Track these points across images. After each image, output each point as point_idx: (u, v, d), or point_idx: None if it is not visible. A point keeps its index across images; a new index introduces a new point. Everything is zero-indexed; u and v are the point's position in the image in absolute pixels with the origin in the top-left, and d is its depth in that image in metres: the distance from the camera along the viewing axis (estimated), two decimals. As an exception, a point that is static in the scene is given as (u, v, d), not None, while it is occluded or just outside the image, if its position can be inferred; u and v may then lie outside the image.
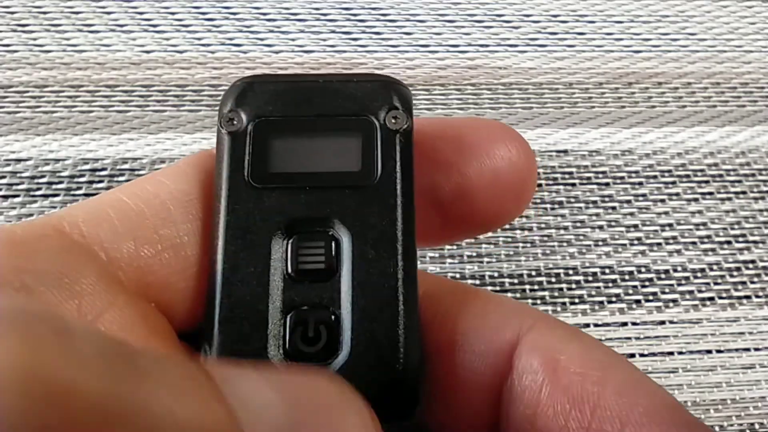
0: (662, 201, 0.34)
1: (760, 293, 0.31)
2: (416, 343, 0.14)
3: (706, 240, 0.33)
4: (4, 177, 0.33)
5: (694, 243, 0.33)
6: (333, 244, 0.14)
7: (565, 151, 0.36)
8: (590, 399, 0.13)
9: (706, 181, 0.35)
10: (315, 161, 0.15)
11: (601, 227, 0.33)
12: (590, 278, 0.32)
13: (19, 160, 0.34)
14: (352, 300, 0.14)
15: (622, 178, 0.35)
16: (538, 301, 0.31)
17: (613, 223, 0.33)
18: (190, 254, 0.14)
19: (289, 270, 0.14)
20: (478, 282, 0.31)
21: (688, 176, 0.35)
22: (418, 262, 0.15)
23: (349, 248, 0.14)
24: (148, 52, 0.38)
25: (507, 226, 0.33)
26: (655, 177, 0.35)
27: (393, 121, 0.15)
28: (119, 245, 0.14)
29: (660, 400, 0.13)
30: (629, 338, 0.30)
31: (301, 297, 0.14)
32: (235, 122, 0.15)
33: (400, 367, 0.14)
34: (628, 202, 0.34)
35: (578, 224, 0.33)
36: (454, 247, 0.32)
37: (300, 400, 0.10)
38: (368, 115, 0.15)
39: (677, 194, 0.35)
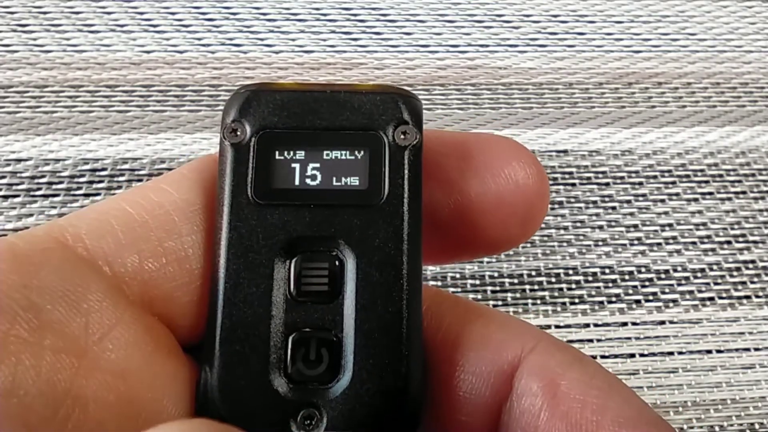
0: (662, 201, 0.34)
1: (760, 293, 0.31)
2: (419, 367, 0.14)
3: (706, 240, 0.33)
4: (4, 177, 0.33)
5: (694, 243, 0.33)
6: (337, 265, 0.14)
7: (565, 151, 0.36)
8: (588, 427, 0.13)
9: (706, 181, 0.35)
10: (320, 178, 0.14)
11: (601, 227, 0.33)
12: (590, 278, 0.32)
13: (19, 160, 0.34)
14: (356, 323, 0.14)
15: (622, 178, 0.35)
16: (538, 301, 0.31)
17: (613, 223, 0.33)
18: (194, 267, 0.14)
19: (292, 291, 0.14)
20: (478, 282, 0.31)
21: (688, 176, 0.35)
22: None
23: (354, 270, 0.14)
24: (148, 52, 0.38)
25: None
26: (655, 177, 0.35)
27: (402, 137, 0.15)
28: (123, 259, 0.13)
29: None
30: (629, 338, 0.30)
31: (303, 319, 0.14)
32: (238, 133, 0.14)
33: (402, 391, 0.13)
34: (628, 202, 0.34)
35: (578, 224, 0.33)
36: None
37: None
38: (376, 131, 0.15)
39: (677, 194, 0.35)
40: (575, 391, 0.13)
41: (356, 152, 0.15)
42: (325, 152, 0.15)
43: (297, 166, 0.15)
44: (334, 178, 0.14)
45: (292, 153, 0.15)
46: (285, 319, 0.14)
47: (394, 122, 0.15)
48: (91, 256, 0.13)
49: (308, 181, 0.14)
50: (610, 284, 0.31)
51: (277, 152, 0.15)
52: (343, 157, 0.15)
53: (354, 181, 0.14)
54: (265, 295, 0.14)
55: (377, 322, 0.14)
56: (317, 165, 0.15)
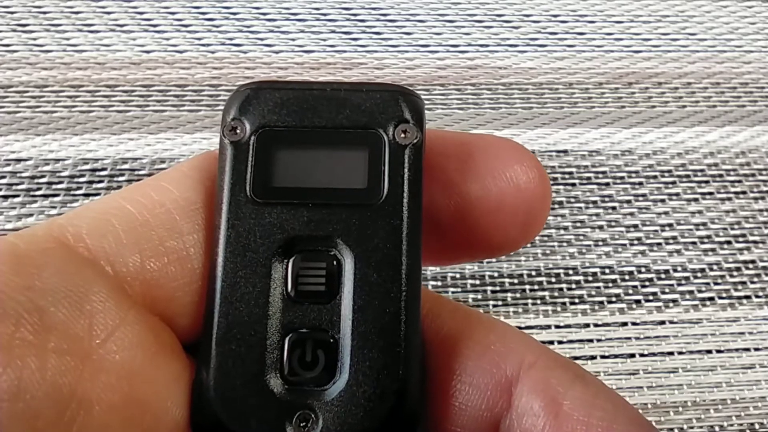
0: (662, 201, 0.34)
1: (760, 293, 0.31)
2: (417, 370, 0.14)
3: (706, 240, 0.33)
4: (4, 177, 0.33)
5: (694, 243, 0.33)
6: (335, 265, 0.14)
7: (565, 151, 0.36)
8: None
9: (706, 181, 0.35)
10: (319, 176, 0.14)
11: (601, 227, 0.33)
12: (590, 278, 0.32)
13: (19, 160, 0.34)
14: (353, 324, 0.13)
15: (622, 178, 0.35)
16: (538, 301, 0.31)
17: (613, 223, 0.33)
18: (195, 267, 0.14)
19: (289, 290, 0.14)
20: (477, 282, 0.31)
21: (688, 176, 0.35)
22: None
23: (352, 270, 0.14)
24: (148, 52, 0.38)
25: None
26: (655, 177, 0.35)
27: (402, 135, 0.14)
28: (125, 258, 0.13)
29: None
30: (629, 338, 0.30)
31: (300, 319, 0.14)
32: (238, 131, 0.14)
33: (399, 395, 0.13)
34: (628, 202, 0.34)
35: (578, 224, 0.33)
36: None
37: None
38: (376, 129, 0.14)
39: (677, 194, 0.35)
40: (579, 411, 0.13)
41: (356, 151, 0.14)
42: (324, 151, 0.14)
43: (296, 164, 0.14)
44: (333, 177, 0.14)
45: (291, 151, 0.14)
46: (282, 319, 0.14)
47: (394, 120, 0.14)
48: (93, 256, 0.13)
49: (307, 179, 0.14)
50: (610, 284, 0.31)
51: (276, 150, 0.14)
52: (343, 156, 0.14)
53: (353, 180, 0.14)
54: (262, 295, 0.14)
55: (375, 324, 0.13)
56: (316, 164, 0.14)
